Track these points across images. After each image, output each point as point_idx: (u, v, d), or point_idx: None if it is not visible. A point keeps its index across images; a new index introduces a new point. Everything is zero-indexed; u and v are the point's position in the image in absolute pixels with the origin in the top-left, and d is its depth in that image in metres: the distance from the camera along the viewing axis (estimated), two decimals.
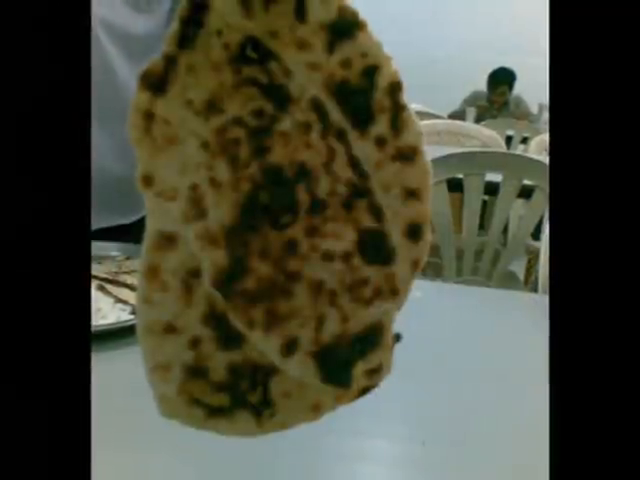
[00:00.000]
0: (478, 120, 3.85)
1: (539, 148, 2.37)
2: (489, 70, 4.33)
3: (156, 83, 0.26)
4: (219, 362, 0.28)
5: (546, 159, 1.60)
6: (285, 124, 0.26)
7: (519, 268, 1.98)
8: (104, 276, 0.71)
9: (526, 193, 1.60)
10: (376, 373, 0.28)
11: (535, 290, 1.24)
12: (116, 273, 0.73)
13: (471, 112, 4.11)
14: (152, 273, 0.27)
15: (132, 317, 0.61)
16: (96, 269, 0.73)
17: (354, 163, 0.27)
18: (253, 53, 0.26)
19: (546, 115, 4.11)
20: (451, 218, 1.60)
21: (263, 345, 0.27)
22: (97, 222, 0.88)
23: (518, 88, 4.35)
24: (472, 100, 4.43)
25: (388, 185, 0.27)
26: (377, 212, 0.27)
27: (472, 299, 0.88)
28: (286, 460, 0.46)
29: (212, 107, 0.26)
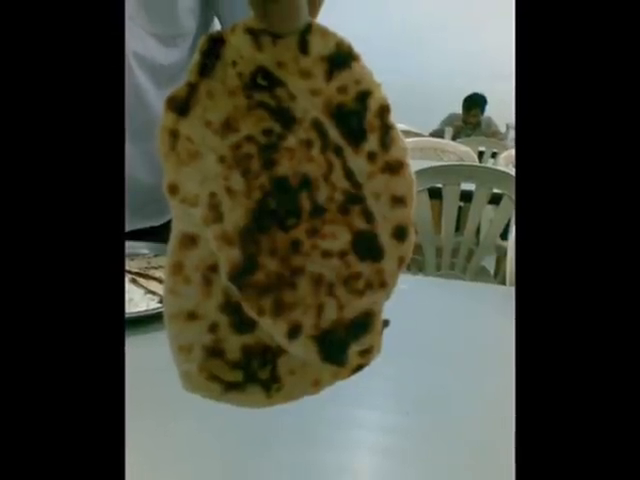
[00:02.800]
0: (454, 138, 3.85)
1: (507, 162, 2.37)
2: (464, 95, 4.34)
3: (180, 106, 0.26)
4: (234, 344, 0.28)
5: (512, 171, 1.60)
6: (290, 141, 0.26)
7: (490, 264, 1.98)
8: (136, 271, 0.71)
9: (495, 200, 1.60)
10: (368, 353, 0.28)
11: (503, 283, 1.24)
12: (146, 268, 0.73)
13: (449, 131, 4.11)
14: (177, 268, 0.27)
15: (160, 306, 0.61)
16: (129, 265, 0.73)
17: (349, 174, 0.27)
18: (263, 81, 0.26)
19: (513, 133, 4.11)
20: (431, 221, 1.60)
21: (271, 330, 0.27)
22: (130, 224, 0.88)
23: (489, 110, 4.36)
24: (449, 121, 4.44)
25: (378, 193, 0.27)
26: (369, 216, 0.27)
27: (449, 291, 0.88)
28: (291, 427, 0.46)
29: (228, 127, 0.26)
